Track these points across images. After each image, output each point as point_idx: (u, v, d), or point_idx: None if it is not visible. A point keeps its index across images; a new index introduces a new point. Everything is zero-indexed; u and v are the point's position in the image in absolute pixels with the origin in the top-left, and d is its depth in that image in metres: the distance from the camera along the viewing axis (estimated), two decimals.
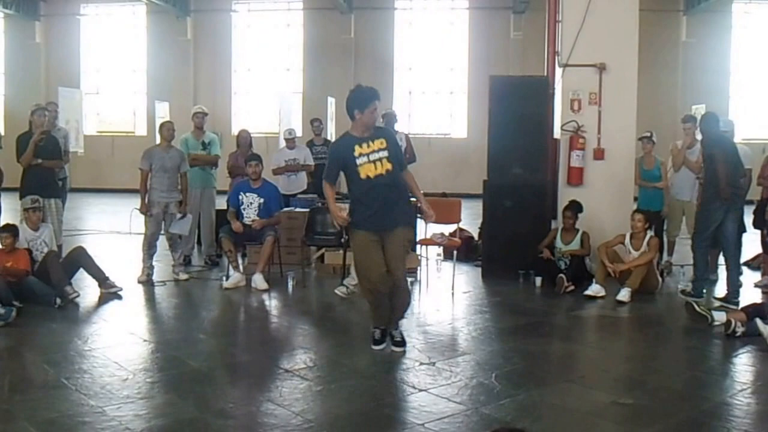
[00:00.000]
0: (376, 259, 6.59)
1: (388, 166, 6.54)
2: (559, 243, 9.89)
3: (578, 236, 9.85)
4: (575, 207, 9.92)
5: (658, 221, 10.46)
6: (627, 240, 9.49)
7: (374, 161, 6.51)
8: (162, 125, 10.40)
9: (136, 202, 10.31)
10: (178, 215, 10.08)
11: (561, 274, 9.40)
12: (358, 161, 6.51)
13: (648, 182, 10.60)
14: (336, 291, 9.06)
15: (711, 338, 7.39)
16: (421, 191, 6.82)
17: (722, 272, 10.22)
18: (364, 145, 6.54)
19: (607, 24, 10.31)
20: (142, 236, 10.09)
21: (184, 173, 10.23)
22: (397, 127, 12.55)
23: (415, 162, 11.79)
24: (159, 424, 5.13)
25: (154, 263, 10.08)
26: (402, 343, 6.85)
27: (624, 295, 8.85)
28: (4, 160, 10.51)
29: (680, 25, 24.39)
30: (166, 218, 10.01)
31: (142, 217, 10.07)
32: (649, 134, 10.81)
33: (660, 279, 9.62)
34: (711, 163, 8.92)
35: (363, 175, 6.52)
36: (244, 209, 9.94)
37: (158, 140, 10.30)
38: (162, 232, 10.13)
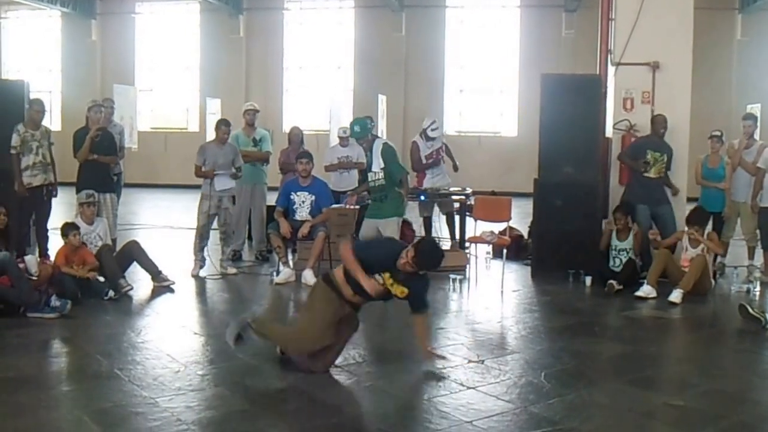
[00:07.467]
0: None
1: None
2: (615, 241, 9.76)
3: (631, 234, 9.72)
4: (625, 207, 9.81)
5: (718, 223, 10.34)
6: (685, 238, 9.36)
7: None
8: (218, 126, 10.41)
9: (188, 197, 10.41)
10: (231, 209, 10.27)
11: (611, 281, 9.28)
12: None
13: (711, 182, 10.47)
14: None
15: (764, 341, 7.31)
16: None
17: None
18: None
19: (660, 22, 10.22)
20: (194, 230, 10.22)
21: (239, 167, 10.34)
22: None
23: None
24: (209, 415, 5.20)
25: (205, 257, 10.21)
26: None
27: (676, 296, 8.71)
28: (59, 155, 10.70)
29: (735, 24, 23.99)
30: (220, 213, 10.12)
31: (195, 210, 10.20)
32: (719, 133, 10.68)
33: (713, 280, 9.47)
34: None
35: None
36: (296, 208, 10.01)
37: (211, 136, 10.39)
38: (214, 227, 10.23)
